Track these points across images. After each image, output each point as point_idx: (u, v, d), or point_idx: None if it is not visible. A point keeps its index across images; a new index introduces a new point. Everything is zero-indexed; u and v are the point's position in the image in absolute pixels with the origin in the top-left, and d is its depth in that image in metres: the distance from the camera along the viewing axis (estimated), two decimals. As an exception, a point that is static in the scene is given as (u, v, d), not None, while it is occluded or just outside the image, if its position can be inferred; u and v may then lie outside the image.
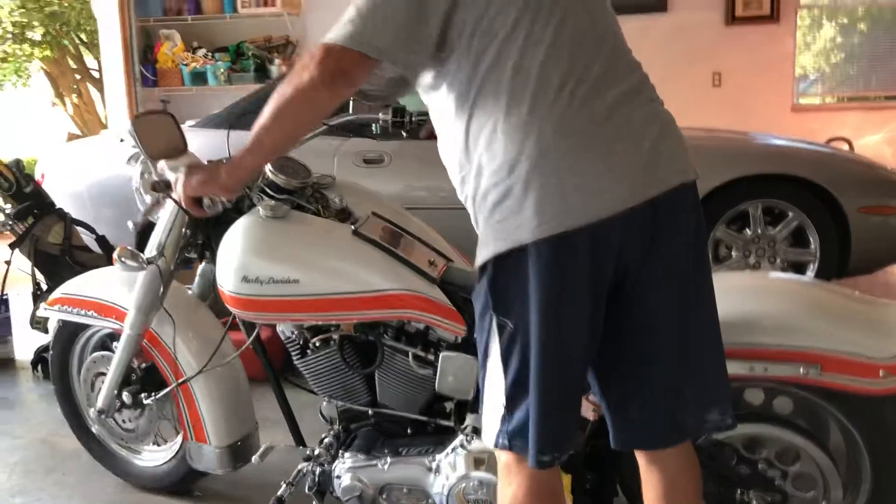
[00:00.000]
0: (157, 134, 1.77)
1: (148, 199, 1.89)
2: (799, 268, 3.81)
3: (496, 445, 1.40)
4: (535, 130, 1.28)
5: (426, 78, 1.41)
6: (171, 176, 1.73)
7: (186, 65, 6.23)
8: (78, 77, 10.97)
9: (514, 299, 1.33)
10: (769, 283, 1.88)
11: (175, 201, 1.78)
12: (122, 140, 4.20)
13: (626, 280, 1.35)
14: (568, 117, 1.29)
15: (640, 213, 1.30)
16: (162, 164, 1.77)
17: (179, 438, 2.23)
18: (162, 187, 1.77)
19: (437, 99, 1.41)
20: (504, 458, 1.42)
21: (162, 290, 1.99)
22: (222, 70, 6.15)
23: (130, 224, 2.16)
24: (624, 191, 1.29)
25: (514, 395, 1.36)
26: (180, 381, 2.03)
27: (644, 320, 1.38)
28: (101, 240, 3.52)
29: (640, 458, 1.50)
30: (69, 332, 2.34)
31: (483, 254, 1.35)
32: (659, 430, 1.43)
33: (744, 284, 1.85)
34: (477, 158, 1.33)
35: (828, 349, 1.58)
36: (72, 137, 10.91)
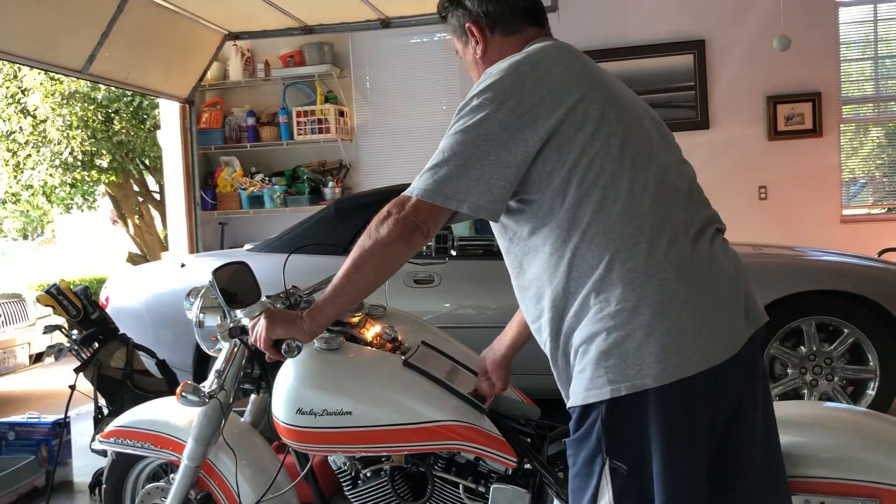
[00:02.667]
0: (235, 283, 1.87)
1: (225, 345, 1.98)
2: (859, 385, 3.72)
3: None
4: (655, 277, 1.34)
5: (506, 219, 1.48)
6: (247, 322, 1.82)
7: (245, 189, 6.48)
8: (140, 199, 11.44)
9: (631, 443, 1.34)
10: (824, 414, 1.87)
11: (248, 346, 1.88)
12: (182, 265, 4.37)
13: (733, 414, 1.40)
14: (684, 265, 1.37)
15: (744, 352, 1.38)
16: (239, 312, 1.87)
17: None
18: (238, 333, 1.86)
19: (520, 236, 1.47)
20: None
21: (222, 422, 2.04)
22: (278, 193, 6.38)
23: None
24: (734, 335, 1.38)
25: None
26: (237, 511, 2.05)
27: (743, 448, 1.43)
28: (162, 364, 3.63)
29: None
30: (123, 465, 2.37)
31: (587, 396, 1.36)
32: None
33: (798, 415, 1.82)
34: (580, 299, 1.37)
35: (887, 483, 1.55)
36: (132, 257, 11.32)
